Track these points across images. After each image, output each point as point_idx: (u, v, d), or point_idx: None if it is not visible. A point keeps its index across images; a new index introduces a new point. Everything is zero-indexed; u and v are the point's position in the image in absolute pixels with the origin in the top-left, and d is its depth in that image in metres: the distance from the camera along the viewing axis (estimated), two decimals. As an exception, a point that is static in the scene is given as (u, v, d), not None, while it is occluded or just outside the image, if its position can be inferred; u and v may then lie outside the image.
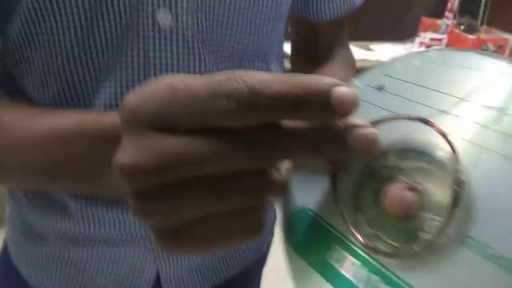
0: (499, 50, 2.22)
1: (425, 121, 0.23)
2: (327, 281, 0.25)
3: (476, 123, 0.21)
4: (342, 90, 0.19)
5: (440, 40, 2.23)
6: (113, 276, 0.48)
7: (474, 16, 2.26)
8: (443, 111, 0.22)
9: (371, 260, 0.23)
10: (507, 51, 2.25)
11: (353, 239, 0.24)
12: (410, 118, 0.23)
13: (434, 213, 0.22)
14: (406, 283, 0.22)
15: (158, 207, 0.21)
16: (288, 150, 0.21)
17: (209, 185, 0.20)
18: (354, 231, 0.24)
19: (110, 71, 0.40)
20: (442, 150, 0.22)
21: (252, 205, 0.22)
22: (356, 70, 1.90)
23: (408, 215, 0.22)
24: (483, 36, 2.23)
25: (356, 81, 0.27)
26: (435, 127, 0.22)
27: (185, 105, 0.19)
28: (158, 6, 0.38)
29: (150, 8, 0.38)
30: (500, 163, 0.20)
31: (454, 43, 2.25)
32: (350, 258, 0.24)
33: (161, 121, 0.20)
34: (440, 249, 0.21)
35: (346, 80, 0.53)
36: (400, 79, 0.25)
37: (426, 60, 0.24)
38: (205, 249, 0.23)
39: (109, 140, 0.28)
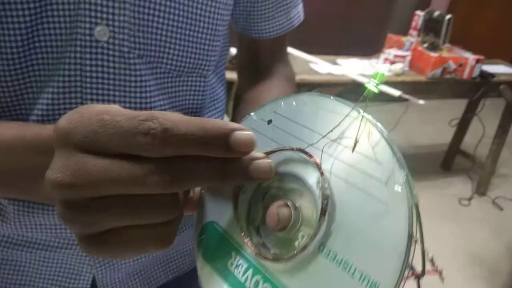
0: (460, 68, 2.33)
1: (302, 151, 0.28)
2: (226, 283, 0.30)
3: (331, 154, 0.26)
4: (240, 134, 0.25)
5: (403, 57, 2.32)
6: (51, 279, 0.51)
7: (437, 34, 2.36)
8: (311, 144, 0.27)
9: (257, 265, 0.28)
10: (467, 69, 2.36)
11: (246, 248, 0.29)
12: (292, 149, 0.28)
13: (305, 226, 0.27)
14: (282, 284, 0.27)
15: (79, 217, 0.25)
16: (196, 179, 0.26)
17: (125, 202, 0.25)
18: (246, 241, 0.29)
19: (48, 82, 0.42)
20: (312, 174, 0.27)
21: (164, 221, 0.27)
22: (323, 83, 1.95)
23: (282, 228, 0.27)
24: (445, 54, 2.33)
25: (253, 115, 0.32)
26: (308, 156, 0.27)
27: (111, 136, 0.24)
28: (96, 22, 0.40)
29: (88, 23, 0.40)
30: (346, 187, 0.25)
31: (417, 60, 2.34)
32: (243, 263, 0.29)
33: (89, 145, 0.24)
34: (306, 255, 0.26)
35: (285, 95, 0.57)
36: (282, 116, 0.30)
37: (300, 102, 0.29)
38: (121, 254, 0.27)
39: (46, 152, 0.31)
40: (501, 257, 2.23)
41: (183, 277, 0.62)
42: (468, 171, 2.88)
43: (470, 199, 2.69)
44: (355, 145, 0.26)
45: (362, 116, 0.26)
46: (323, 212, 0.25)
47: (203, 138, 0.25)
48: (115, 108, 0.25)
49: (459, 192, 2.75)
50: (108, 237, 0.26)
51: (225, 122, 0.26)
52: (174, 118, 0.24)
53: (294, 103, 0.30)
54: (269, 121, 0.31)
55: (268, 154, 0.29)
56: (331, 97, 0.28)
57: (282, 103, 0.30)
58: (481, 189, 2.77)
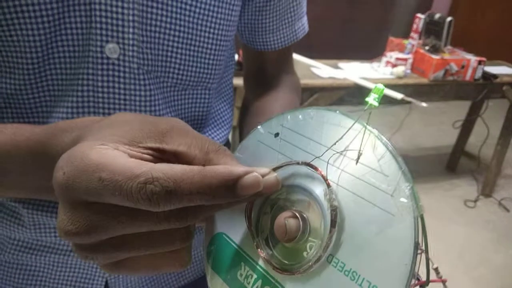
0: (462, 70, 2.33)
1: (309, 165, 0.28)
2: None
3: (338, 166, 0.27)
4: (245, 181, 0.26)
5: (405, 59, 2.33)
6: (64, 283, 0.52)
7: (438, 37, 2.36)
8: (317, 157, 0.28)
9: (267, 276, 0.29)
10: (469, 71, 2.36)
11: (256, 259, 0.30)
12: (299, 163, 0.29)
13: (313, 236, 0.28)
14: None
15: (96, 256, 0.27)
16: (207, 212, 0.27)
17: (139, 238, 0.27)
18: (256, 252, 0.30)
19: (62, 97, 0.43)
20: (318, 186, 0.28)
21: (179, 247, 0.28)
22: (325, 87, 1.95)
23: (290, 239, 0.28)
24: (446, 56, 2.33)
25: (260, 128, 0.33)
26: (315, 169, 0.28)
27: (112, 194, 0.24)
28: (107, 40, 0.42)
29: (99, 41, 0.42)
30: (353, 198, 0.26)
31: (419, 63, 2.35)
32: (253, 274, 0.30)
33: (91, 198, 0.25)
34: (315, 266, 0.27)
35: (291, 106, 0.58)
36: (289, 129, 0.31)
37: (306, 115, 0.30)
38: (141, 275, 0.29)
39: (38, 158, 0.32)
40: (508, 258, 2.23)
41: (195, 283, 0.63)
42: (473, 173, 2.88)
43: (475, 200, 2.69)
44: (358, 158, 0.26)
45: (365, 129, 0.27)
46: (333, 223, 0.26)
47: (208, 194, 0.25)
48: (111, 159, 0.25)
49: (464, 194, 2.74)
50: (127, 263, 0.28)
51: (229, 170, 0.26)
52: (175, 176, 0.24)
53: (300, 116, 0.30)
54: (276, 134, 0.31)
55: (275, 169, 0.29)
56: (337, 111, 0.29)
57: (289, 117, 0.31)
58: (486, 191, 2.76)
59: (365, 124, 0.27)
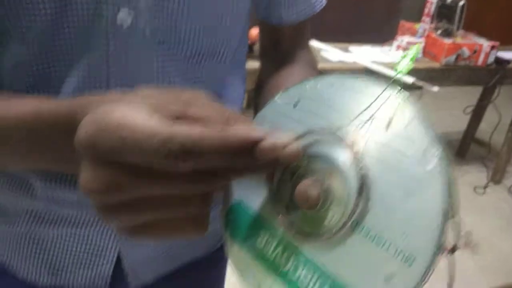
0: (474, 55, 2.30)
1: (332, 133, 0.28)
2: (256, 261, 0.30)
3: (366, 133, 0.26)
4: (265, 144, 0.25)
5: (417, 43, 2.30)
6: (76, 255, 0.52)
7: (451, 21, 2.33)
8: (342, 125, 0.27)
9: (288, 242, 0.29)
10: (482, 56, 2.32)
11: (275, 226, 0.30)
12: (321, 132, 0.28)
13: (335, 204, 0.27)
14: (315, 261, 0.27)
15: (113, 216, 0.27)
16: (226, 178, 0.27)
17: (159, 201, 0.27)
18: (277, 219, 0.29)
19: (75, 65, 0.42)
20: (343, 154, 0.27)
21: (195, 213, 0.28)
22: (334, 70, 1.95)
23: (311, 206, 0.27)
24: (458, 40, 2.30)
25: (277, 99, 0.32)
26: (339, 137, 0.27)
27: (133, 153, 0.25)
28: (119, 7, 0.41)
29: (111, 8, 0.41)
30: (380, 166, 0.25)
31: (431, 47, 2.32)
32: (273, 241, 0.29)
33: (112, 158, 0.25)
34: (339, 233, 0.26)
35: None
36: (308, 98, 0.30)
37: (326, 83, 0.29)
38: (158, 240, 0.29)
39: (63, 130, 0.32)
40: (517, 245, 2.22)
41: (209, 257, 0.62)
42: (483, 159, 2.86)
43: (485, 187, 2.67)
44: (389, 124, 0.26)
45: (395, 95, 0.26)
46: (360, 190, 0.26)
47: (227, 155, 0.24)
48: (132, 119, 0.25)
49: (474, 180, 2.72)
50: (145, 227, 0.28)
51: (249, 132, 0.25)
52: (194, 136, 0.24)
53: (319, 85, 0.30)
54: (295, 104, 0.31)
55: (295, 139, 0.29)
56: (359, 78, 0.28)
57: (307, 86, 0.30)
58: (496, 177, 2.74)
59: (394, 91, 0.26)
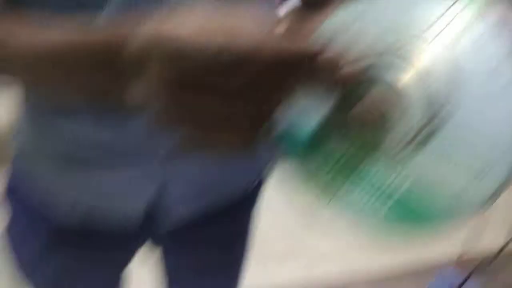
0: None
1: (394, 51, 0.27)
2: (311, 181, 0.30)
3: (441, 44, 0.25)
4: (325, 58, 0.24)
5: None
6: (109, 199, 0.52)
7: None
8: (415, 36, 0.26)
9: (346, 163, 0.28)
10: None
11: (333, 143, 0.29)
12: (382, 51, 0.27)
13: (404, 125, 0.26)
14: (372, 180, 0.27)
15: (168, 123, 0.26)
16: (285, 90, 0.26)
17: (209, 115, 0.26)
18: (335, 138, 0.29)
19: None
20: (405, 74, 0.26)
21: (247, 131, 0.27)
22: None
23: (375, 120, 0.26)
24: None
25: (337, 14, 0.30)
26: (402, 55, 0.26)
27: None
28: None
29: None
30: (451, 82, 0.24)
31: None
32: (330, 161, 0.29)
33: (162, 70, 0.25)
34: (404, 150, 0.25)
35: None
36: (374, 10, 0.28)
37: None
38: (208, 155, 0.28)
39: (94, 61, 0.31)
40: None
41: (249, 195, 0.63)
42: None
43: None
44: (457, 39, 0.24)
45: (463, 7, 0.25)
46: (427, 109, 0.25)
47: (285, 63, 0.24)
48: (183, 32, 0.25)
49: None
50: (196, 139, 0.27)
51: (312, 44, 0.24)
52: (253, 44, 0.23)
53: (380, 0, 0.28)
54: (355, 21, 0.29)
55: (358, 58, 0.28)
56: None
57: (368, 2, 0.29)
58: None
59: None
